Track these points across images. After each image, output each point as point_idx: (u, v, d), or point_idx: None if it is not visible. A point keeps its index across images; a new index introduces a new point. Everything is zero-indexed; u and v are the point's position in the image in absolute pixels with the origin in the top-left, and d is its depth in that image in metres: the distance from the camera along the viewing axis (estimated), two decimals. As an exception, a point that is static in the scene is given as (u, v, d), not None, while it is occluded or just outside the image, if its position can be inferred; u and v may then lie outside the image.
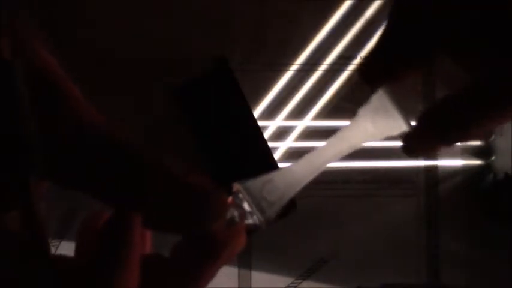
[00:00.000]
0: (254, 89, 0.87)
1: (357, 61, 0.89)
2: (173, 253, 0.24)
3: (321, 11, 0.87)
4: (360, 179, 0.87)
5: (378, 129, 0.28)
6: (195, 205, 0.23)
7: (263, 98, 0.89)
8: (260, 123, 0.86)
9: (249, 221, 0.26)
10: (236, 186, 0.27)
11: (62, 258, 0.23)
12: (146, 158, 0.23)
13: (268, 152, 0.84)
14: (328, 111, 0.89)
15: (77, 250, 0.24)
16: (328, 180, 0.84)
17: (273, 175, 0.27)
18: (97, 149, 0.22)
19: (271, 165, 0.83)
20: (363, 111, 0.28)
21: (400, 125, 0.28)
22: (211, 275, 0.23)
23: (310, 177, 0.27)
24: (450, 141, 0.25)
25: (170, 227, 0.23)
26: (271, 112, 0.89)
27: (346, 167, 0.85)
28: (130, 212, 0.21)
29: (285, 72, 0.89)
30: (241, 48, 0.88)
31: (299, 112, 0.89)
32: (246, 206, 0.26)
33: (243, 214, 0.26)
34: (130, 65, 0.84)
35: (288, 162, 0.90)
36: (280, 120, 0.89)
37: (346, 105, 0.87)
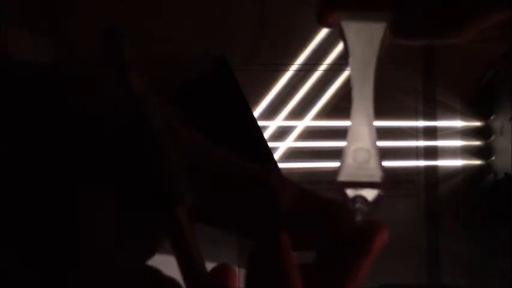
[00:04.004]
0: (254, 89, 0.88)
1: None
2: (319, 260, 0.24)
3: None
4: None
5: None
6: (335, 217, 0.23)
7: (263, 98, 0.89)
8: (260, 123, 0.86)
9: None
10: (352, 192, 0.27)
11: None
12: (278, 179, 0.23)
13: (268, 152, 0.84)
14: (328, 111, 0.89)
15: None
16: (328, 180, 0.84)
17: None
18: (238, 186, 0.22)
19: (271, 165, 0.83)
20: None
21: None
22: (365, 273, 0.23)
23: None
24: None
25: (311, 245, 0.23)
26: (271, 112, 0.89)
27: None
28: (278, 238, 0.21)
29: (285, 72, 0.89)
30: (241, 48, 0.88)
31: (299, 112, 0.89)
32: (364, 206, 0.27)
33: (366, 210, 0.27)
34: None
35: (288, 162, 0.91)
36: (280, 120, 0.89)
37: (346, 105, 0.87)
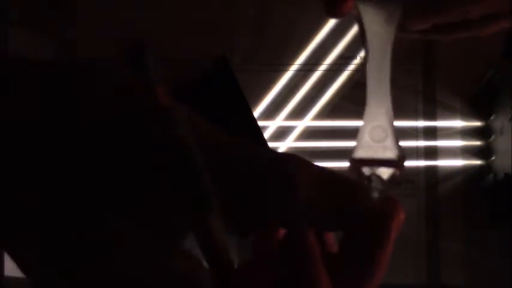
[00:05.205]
0: (254, 89, 0.87)
1: (357, 61, 0.89)
2: (342, 248, 0.24)
3: (321, 11, 0.87)
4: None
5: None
6: (358, 198, 0.23)
7: (263, 98, 0.89)
8: (260, 123, 0.86)
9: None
10: (367, 171, 0.27)
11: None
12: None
13: (268, 152, 0.84)
14: (328, 111, 0.88)
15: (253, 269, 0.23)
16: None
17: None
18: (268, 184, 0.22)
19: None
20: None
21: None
22: (390, 250, 0.23)
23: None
24: None
25: (334, 227, 0.23)
26: (271, 112, 0.89)
27: (345, 166, 0.85)
28: (303, 224, 0.21)
29: (285, 72, 0.89)
30: (241, 48, 0.88)
31: (299, 112, 0.89)
32: (379, 185, 0.27)
33: (384, 188, 0.26)
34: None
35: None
36: (280, 120, 0.89)
37: (346, 105, 0.87)
